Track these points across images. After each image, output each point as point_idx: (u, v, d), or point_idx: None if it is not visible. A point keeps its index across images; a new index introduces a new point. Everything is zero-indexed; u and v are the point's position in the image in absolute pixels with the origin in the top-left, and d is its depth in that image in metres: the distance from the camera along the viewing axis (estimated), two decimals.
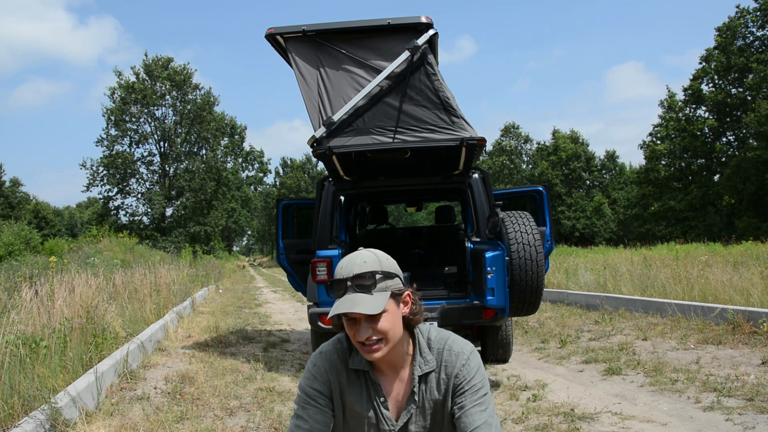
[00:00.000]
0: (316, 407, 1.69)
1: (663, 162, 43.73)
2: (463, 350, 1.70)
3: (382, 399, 1.70)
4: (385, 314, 1.60)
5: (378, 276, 1.61)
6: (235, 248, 71.96)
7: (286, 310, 12.34)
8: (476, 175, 5.94)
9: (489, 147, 58.99)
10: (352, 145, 5.27)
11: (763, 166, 34.56)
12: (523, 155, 62.17)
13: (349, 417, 1.73)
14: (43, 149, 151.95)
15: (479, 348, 6.21)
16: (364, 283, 1.59)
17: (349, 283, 1.60)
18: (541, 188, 6.46)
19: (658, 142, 44.36)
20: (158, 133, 46.75)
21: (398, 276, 1.68)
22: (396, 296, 1.64)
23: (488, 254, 4.81)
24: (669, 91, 45.53)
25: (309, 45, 5.50)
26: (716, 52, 40.08)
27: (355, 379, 1.72)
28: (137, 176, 46.60)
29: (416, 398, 1.69)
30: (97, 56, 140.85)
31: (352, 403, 1.71)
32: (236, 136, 54.96)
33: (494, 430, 1.61)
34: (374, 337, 1.60)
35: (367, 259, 1.63)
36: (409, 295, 1.69)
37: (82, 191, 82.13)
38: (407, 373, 1.71)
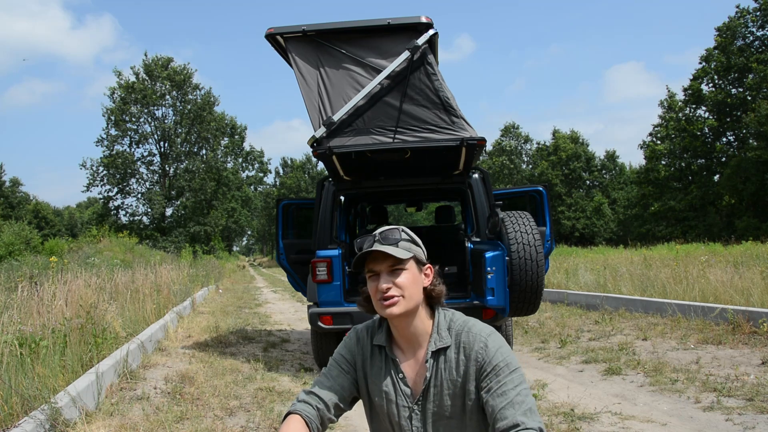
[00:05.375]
0: (339, 370, 1.81)
1: (663, 162, 43.70)
2: (482, 332, 1.70)
3: (401, 375, 1.75)
4: (406, 272, 1.70)
5: (403, 235, 1.74)
6: (235, 248, 71.95)
7: (286, 310, 12.34)
8: (476, 175, 5.94)
9: (489, 147, 58.98)
10: (352, 145, 5.27)
11: (763, 166, 34.54)
12: (523, 155, 62.16)
13: (372, 392, 1.80)
14: (41, 149, 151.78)
15: None
16: (390, 236, 1.72)
17: (376, 237, 1.73)
18: (541, 188, 6.46)
19: (658, 142, 44.34)
20: (158, 133, 46.70)
21: (422, 249, 1.78)
22: (419, 263, 1.74)
23: (488, 254, 4.81)
24: (669, 91, 45.50)
25: (309, 45, 5.50)
26: (716, 52, 40.05)
27: (377, 354, 1.81)
28: (137, 176, 46.54)
29: (427, 374, 1.71)
30: (95, 55, 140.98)
31: (373, 376, 1.79)
32: (236, 136, 54.90)
33: (521, 408, 1.56)
34: (392, 292, 1.68)
35: (396, 226, 1.77)
36: (430, 268, 1.78)
37: (82, 191, 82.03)
38: (423, 352, 1.75)
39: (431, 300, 1.76)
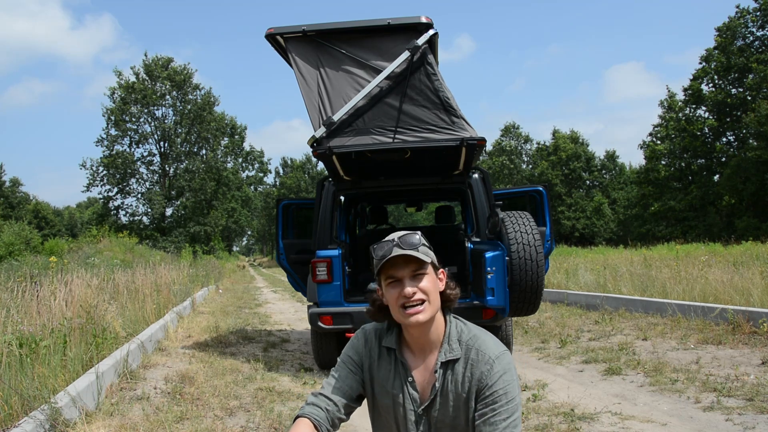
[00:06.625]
0: (347, 370, 1.80)
1: (663, 162, 43.72)
2: (490, 352, 1.68)
3: (410, 379, 1.74)
4: (428, 276, 1.67)
5: (422, 241, 1.70)
6: (235, 248, 71.93)
7: (286, 310, 12.34)
8: (476, 175, 5.94)
9: (489, 147, 58.96)
10: (352, 145, 5.27)
11: (763, 166, 34.54)
12: (523, 155, 62.15)
13: (377, 393, 1.79)
14: (41, 149, 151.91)
15: None
16: (411, 241, 1.67)
17: (395, 241, 1.67)
18: (541, 188, 6.46)
19: (658, 142, 44.35)
20: (158, 133, 46.70)
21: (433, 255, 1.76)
22: (435, 268, 1.73)
23: (488, 254, 4.81)
24: (669, 91, 45.53)
25: (309, 45, 5.50)
26: (716, 52, 40.06)
27: (386, 357, 1.79)
28: (137, 176, 46.57)
29: (436, 384, 1.71)
30: (94, 55, 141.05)
31: (381, 379, 1.78)
32: (236, 136, 54.91)
33: None
34: (418, 296, 1.64)
35: (414, 231, 1.75)
36: (443, 272, 1.76)
37: (82, 191, 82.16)
38: (434, 360, 1.74)
39: (444, 306, 1.75)
